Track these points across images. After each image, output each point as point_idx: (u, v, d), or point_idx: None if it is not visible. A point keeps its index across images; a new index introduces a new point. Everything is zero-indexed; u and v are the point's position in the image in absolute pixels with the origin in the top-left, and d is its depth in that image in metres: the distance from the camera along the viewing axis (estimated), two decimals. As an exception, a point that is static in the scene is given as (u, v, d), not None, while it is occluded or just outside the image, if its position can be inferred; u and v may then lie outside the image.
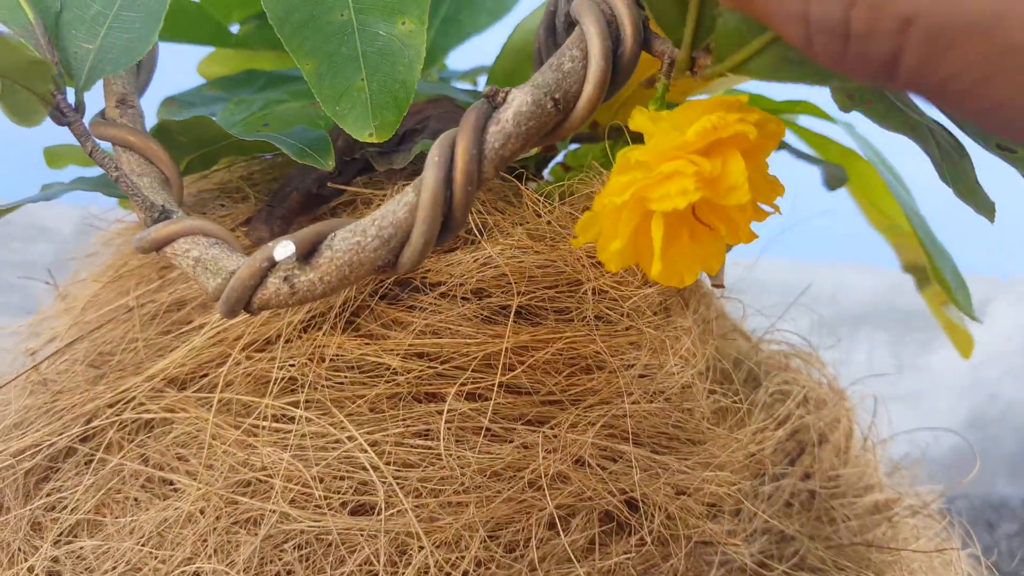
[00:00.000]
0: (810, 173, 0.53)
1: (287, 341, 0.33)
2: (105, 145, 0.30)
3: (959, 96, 0.16)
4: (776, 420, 0.38)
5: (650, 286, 0.34)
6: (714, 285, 0.36)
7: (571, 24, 0.27)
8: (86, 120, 0.29)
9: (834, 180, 0.52)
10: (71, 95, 0.27)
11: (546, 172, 0.44)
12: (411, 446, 0.30)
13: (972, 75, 0.16)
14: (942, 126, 0.27)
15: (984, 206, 0.29)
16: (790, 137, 0.50)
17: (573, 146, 0.44)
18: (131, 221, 0.43)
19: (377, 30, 0.31)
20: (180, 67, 0.52)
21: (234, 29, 0.46)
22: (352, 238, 0.25)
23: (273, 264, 0.25)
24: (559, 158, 0.45)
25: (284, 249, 0.24)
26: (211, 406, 0.32)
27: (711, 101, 0.23)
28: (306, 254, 0.25)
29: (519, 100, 0.25)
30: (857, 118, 0.40)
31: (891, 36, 0.16)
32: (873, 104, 0.27)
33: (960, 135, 0.27)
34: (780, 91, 0.46)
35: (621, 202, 0.23)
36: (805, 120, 0.49)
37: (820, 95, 0.46)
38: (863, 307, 1.32)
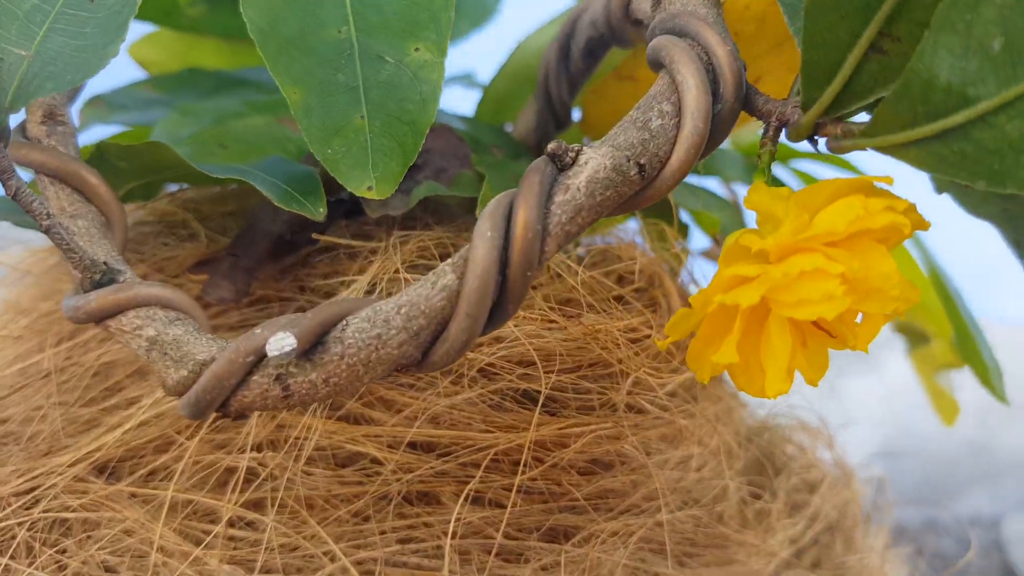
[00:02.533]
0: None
1: (246, 419, 0.27)
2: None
3: None
4: (796, 514, 0.34)
5: (685, 372, 0.29)
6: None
7: (657, 64, 0.22)
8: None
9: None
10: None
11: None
12: (406, 565, 0.25)
13: None
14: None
15: None
16: (791, 181, 0.46)
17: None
18: (41, 245, 0.35)
19: (383, 55, 0.25)
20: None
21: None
22: (371, 330, 0.19)
23: (260, 359, 0.19)
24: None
25: (281, 343, 0.18)
26: (150, 505, 0.25)
27: (846, 183, 0.18)
28: (308, 349, 0.19)
29: (595, 163, 0.19)
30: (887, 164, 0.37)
31: None
32: (971, 188, 0.23)
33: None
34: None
35: (747, 304, 0.18)
36: (805, 165, 0.46)
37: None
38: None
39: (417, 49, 0.25)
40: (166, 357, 0.20)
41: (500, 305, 0.19)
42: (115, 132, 0.37)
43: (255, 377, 0.19)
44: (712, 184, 0.41)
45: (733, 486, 0.31)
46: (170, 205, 0.32)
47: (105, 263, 0.21)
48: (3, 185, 0.19)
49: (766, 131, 0.21)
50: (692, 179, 0.37)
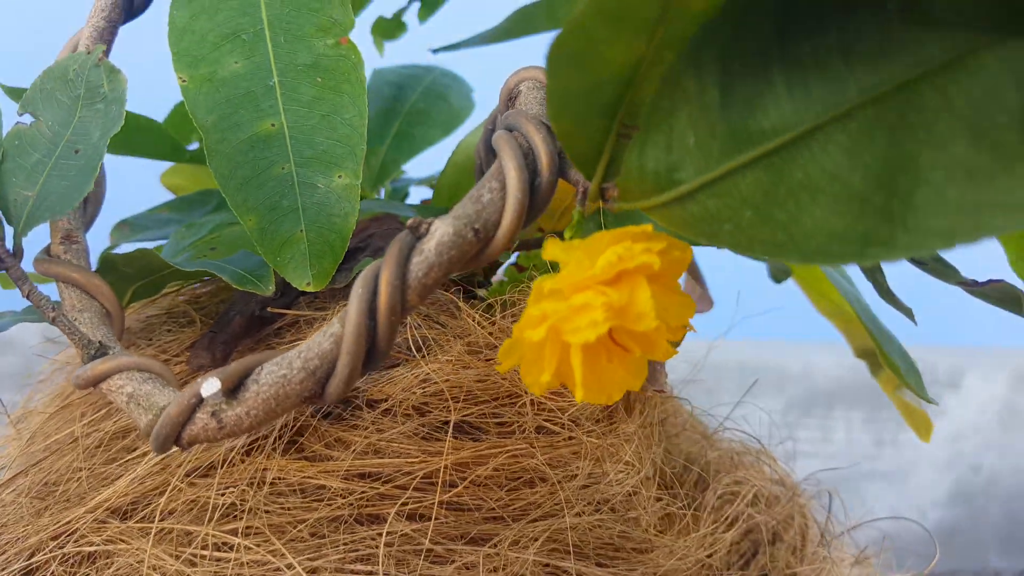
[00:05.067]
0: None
1: (230, 465, 0.33)
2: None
3: None
4: (726, 522, 0.38)
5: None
6: (655, 391, 0.36)
7: (493, 153, 0.28)
8: (27, 261, 0.30)
9: (779, 273, 0.53)
10: (9, 239, 0.28)
11: (500, 272, 0.45)
12: (351, 571, 0.30)
13: None
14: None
15: (904, 310, 0.30)
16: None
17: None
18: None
19: (315, 182, 0.32)
20: (142, 177, 0.54)
21: (192, 147, 0.48)
22: (278, 371, 0.25)
23: (201, 400, 0.25)
24: (512, 259, 0.46)
25: (210, 386, 0.25)
26: (152, 536, 0.32)
27: (619, 232, 0.24)
28: (233, 389, 0.25)
29: (441, 231, 0.26)
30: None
31: None
32: None
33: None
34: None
35: (540, 336, 0.23)
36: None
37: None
38: (834, 385, 1.32)
39: (340, 176, 0.33)
40: (139, 407, 0.27)
41: (375, 345, 0.25)
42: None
43: (198, 414, 0.26)
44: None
45: (649, 496, 0.35)
46: (174, 300, 0.40)
47: (100, 342, 0.29)
48: (19, 289, 0.27)
49: (576, 195, 0.27)
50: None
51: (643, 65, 0.21)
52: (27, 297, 0.27)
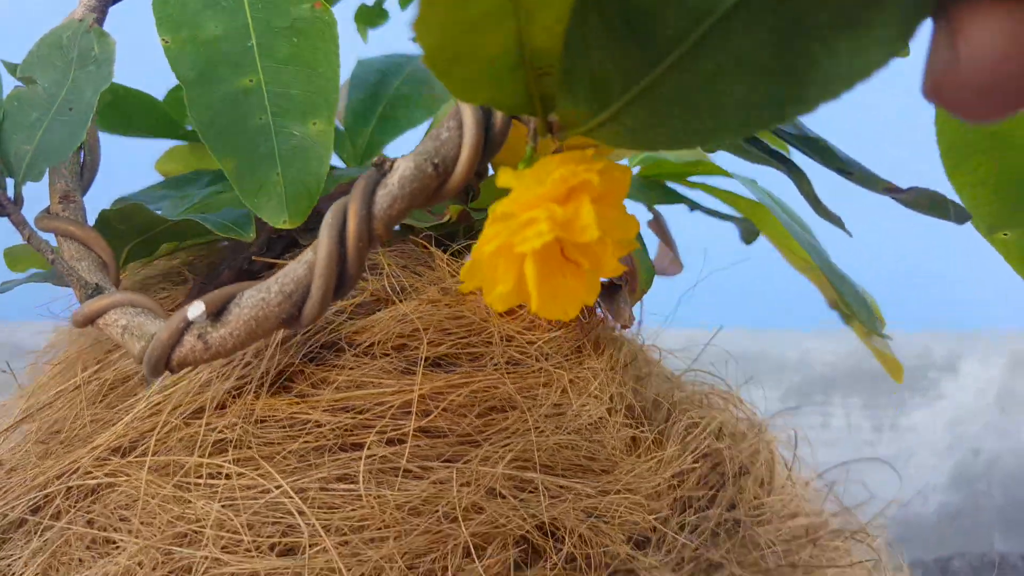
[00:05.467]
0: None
1: (220, 407, 0.36)
2: (51, 238, 0.34)
3: None
4: (689, 449, 0.40)
5: (557, 330, 0.37)
6: (621, 325, 0.39)
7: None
8: (28, 213, 0.32)
9: (748, 234, 0.56)
10: (11, 189, 0.31)
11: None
12: (334, 490, 0.33)
13: None
14: (783, 156, 0.31)
15: (832, 218, 0.32)
16: (701, 197, 0.54)
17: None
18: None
19: (292, 130, 0.35)
20: (137, 164, 0.56)
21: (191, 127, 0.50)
22: (257, 295, 0.28)
23: (188, 324, 0.28)
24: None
25: (195, 309, 0.27)
26: (149, 469, 0.34)
27: (564, 155, 0.27)
28: (216, 312, 0.28)
29: (403, 166, 0.28)
30: (759, 172, 0.44)
31: None
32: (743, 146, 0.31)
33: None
34: (679, 153, 0.50)
35: (491, 250, 0.26)
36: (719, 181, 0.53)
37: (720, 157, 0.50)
38: (831, 372, 1.33)
39: (314, 123, 0.35)
40: (133, 336, 0.29)
41: (345, 270, 0.28)
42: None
43: (186, 337, 0.28)
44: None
45: (616, 424, 0.38)
46: (169, 262, 0.42)
47: (96, 284, 0.31)
48: (20, 233, 0.29)
49: (528, 133, 0.29)
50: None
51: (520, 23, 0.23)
52: (27, 241, 0.29)
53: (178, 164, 0.57)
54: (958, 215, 0.28)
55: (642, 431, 0.39)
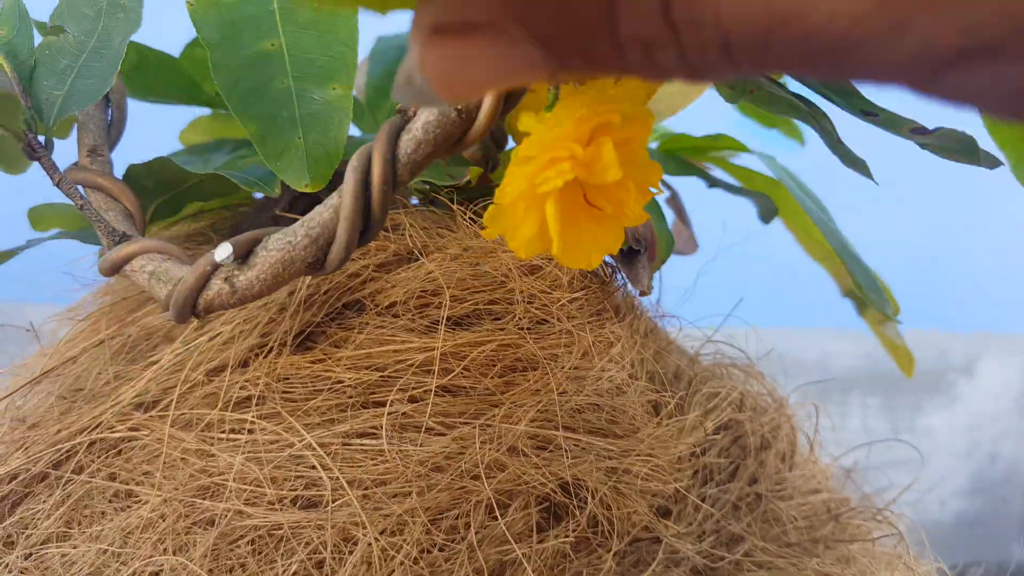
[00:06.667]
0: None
1: (243, 365, 0.36)
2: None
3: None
4: (711, 419, 0.40)
5: (579, 291, 0.37)
6: (640, 293, 0.39)
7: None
8: (60, 163, 0.32)
9: (767, 212, 0.55)
10: (43, 140, 0.31)
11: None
12: (357, 446, 0.33)
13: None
14: (806, 99, 0.31)
15: (856, 162, 0.32)
16: (719, 173, 0.53)
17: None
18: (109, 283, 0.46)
19: (312, 95, 0.35)
20: (163, 135, 0.57)
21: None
22: (284, 239, 0.28)
23: (215, 267, 0.28)
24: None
25: (223, 251, 0.27)
26: (173, 423, 0.34)
27: (586, 97, 0.27)
28: (244, 255, 0.28)
29: (427, 112, 0.28)
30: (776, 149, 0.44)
31: None
32: (756, 92, 0.31)
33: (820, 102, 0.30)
34: (700, 128, 0.50)
35: (513, 194, 0.26)
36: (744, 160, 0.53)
37: (737, 131, 0.50)
38: (850, 372, 1.32)
39: (334, 88, 0.35)
40: (159, 282, 0.30)
41: (370, 214, 0.28)
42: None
43: (213, 280, 0.28)
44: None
45: (638, 388, 0.38)
46: (194, 224, 0.42)
47: (123, 232, 0.31)
48: (50, 177, 0.29)
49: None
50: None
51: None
52: (57, 185, 0.30)
53: (201, 135, 0.57)
54: (988, 160, 0.27)
55: (663, 397, 0.39)
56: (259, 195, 0.46)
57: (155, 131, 0.55)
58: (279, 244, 0.28)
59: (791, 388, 0.47)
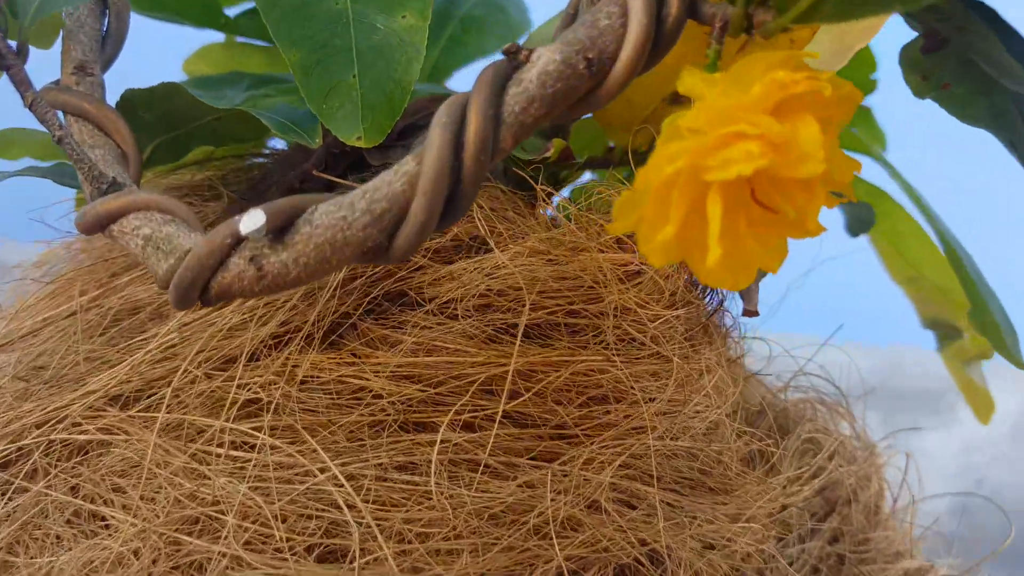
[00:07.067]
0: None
1: (254, 360, 0.28)
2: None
3: None
4: (810, 471, 0.33)
5: (682, 307, 0.29)
6: (746, 313, 0.32)
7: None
8: (37, 80, 0.25)
9: (859, 224, 0.48)
10: (14, 45, 0.23)
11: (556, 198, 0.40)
12: (395, 481, 0.25)
13: None
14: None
15: None
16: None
17: (584, 178, 0.40)
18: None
19: (375, 22, 0.28)
20: (166, 62, 0.49)
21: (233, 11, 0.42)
22: (337, 212, 0.20)
23: (239, 241, 0.20)
24: (566, 192, 0.41)
25: (252, 220, 0.20)
26: (157, 428, 0.27)
27: (775, 56, 0.19)
28: (280, 229, 0.20)
29: (546, 58, 0.21)
30: (895, 150, 0.37)
31: None
32: (953, 87, 0.23)
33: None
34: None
35: (673, 171, 0.18)
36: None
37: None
38: (854, 385, 1.26)
39: (404, 16, 0.28)
40: (158, 251, 0.22)
41: (456, 190, 0.20)
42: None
43: (234, 258, 0.21)
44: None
45: (733, 430, 0.31)
46: (199, 173, 0.34)
47: (113, 178, 0.24)
48: (21, 96, 0.22)
49: (713, 32, 0.22)
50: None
51: None
52: (30, 107, 0.22)
53: (211, 66, 0.49)
54: None
55: (764, 445, 0.32)
56: (277, 144, 0.38)
57: (155, 56, 0.47)
58: (330, 219, 0.20)
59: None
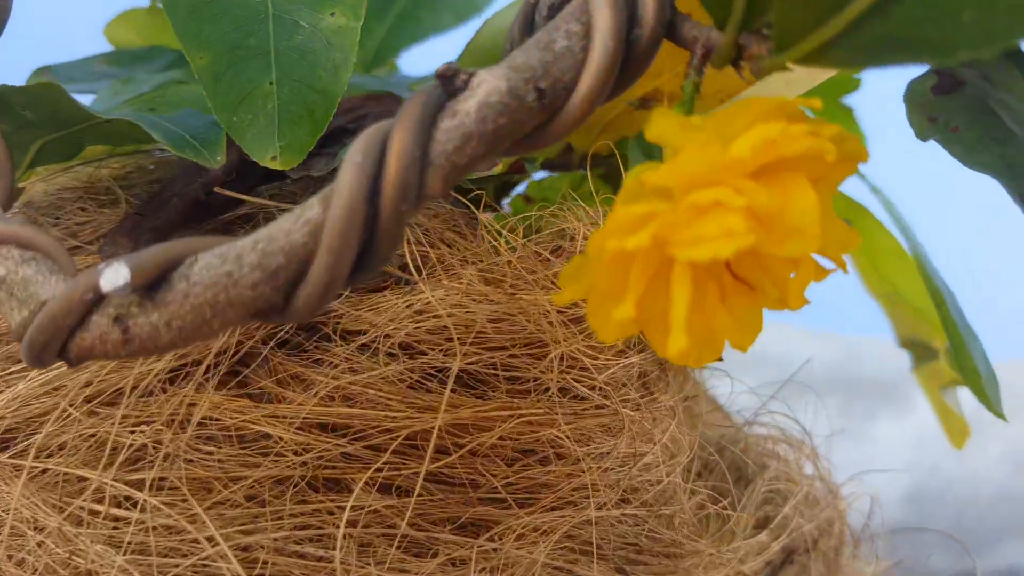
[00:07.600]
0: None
1: (146, 395, 0.25)
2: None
3: None
4: (772, 533, 0.31)
5: (634, 354, 0.26)
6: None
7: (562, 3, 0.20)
8: None
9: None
10: None
11: (506, 202, 0.37)
12: (295, 555, 0.22)
13: None
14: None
15: None
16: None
17: (539, 175, 0.37)
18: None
19: (298, 19, 0.24)
20: (84, 27, 0.44)
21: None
22: (221, 267, 0.17)
23: (100, 298, 0.17)
24: (522, 187, 0.37)
25: (115, 274, 0.16)
26: (28, 477, 0.23)
27: (767, 104, 0.16)
28: (149, 284, 0.17)
29: (488, 86, 0.17)
30: (875, 165, 0.34)
31: None
32: (962, 131, 0.20)
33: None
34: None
35: (635, 247, 0.15)
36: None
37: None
38: (811, 372, 1.26)
39: (332, 14, 0.24)
40: (12, 298, 0.18)
41: (370, 244, 0.17)
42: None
43: (95, 317, 0.17)
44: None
45: (687, 488, 0.28)
46: (97, 172, 0.30)
47: (-37, 199, 0.20)
48: None
49: (692, 61, 0.18)
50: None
51: None
52: None
53: (133, 34, 0.44)
54: None
55: (714, 501, 0.29)
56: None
57: (74, 21, 0.42)
58: (212, 275, 0.16)
59: (749, 380, 0.38)
